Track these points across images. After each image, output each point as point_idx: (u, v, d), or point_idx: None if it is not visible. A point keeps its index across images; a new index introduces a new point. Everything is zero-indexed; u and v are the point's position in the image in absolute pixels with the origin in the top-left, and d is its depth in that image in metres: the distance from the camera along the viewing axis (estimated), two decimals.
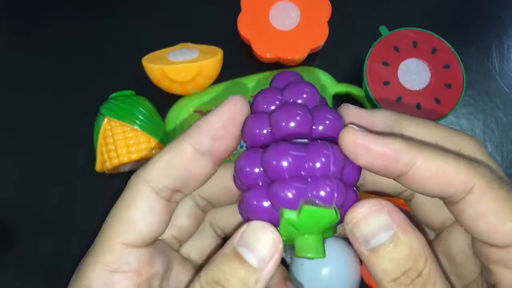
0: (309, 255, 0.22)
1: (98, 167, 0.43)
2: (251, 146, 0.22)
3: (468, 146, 0.22)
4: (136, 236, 0.21)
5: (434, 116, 0.43)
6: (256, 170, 0.21)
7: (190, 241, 0.27)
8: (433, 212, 0.25)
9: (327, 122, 0.22)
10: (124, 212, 0.21)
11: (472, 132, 0.48)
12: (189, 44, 0.47)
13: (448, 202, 0.21)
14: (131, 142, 0.41)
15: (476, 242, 0.22)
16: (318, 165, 0.20)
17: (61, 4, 0.50)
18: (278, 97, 0.23)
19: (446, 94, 0.43)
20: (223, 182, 0.25)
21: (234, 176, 0.22)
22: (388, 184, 0.26)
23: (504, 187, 0.20)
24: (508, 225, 0.20)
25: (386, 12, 0.50)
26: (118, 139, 0.41)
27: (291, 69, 0.47)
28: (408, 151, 0.20)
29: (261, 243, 0.20)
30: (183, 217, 0.26)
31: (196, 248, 0.27)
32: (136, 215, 0.21)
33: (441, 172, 0.20)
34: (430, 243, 0.25)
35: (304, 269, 0.42)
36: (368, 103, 0.46)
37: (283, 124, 0.21)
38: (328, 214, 0.20)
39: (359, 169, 0.22)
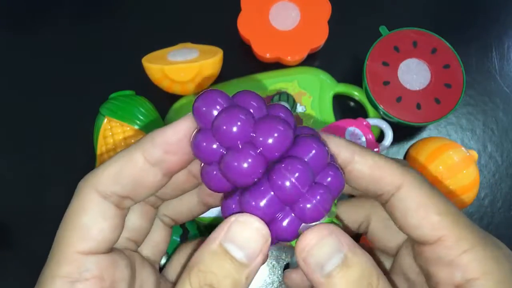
0: None
1: None
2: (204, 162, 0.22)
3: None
4: (91, 242, 0.21)
5: (434, 116, 0.43)
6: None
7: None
8: (387, 237, 0.27)
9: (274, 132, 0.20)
10: (76, 219, 0.21)
11: (472, 132, 0.48)
12: (189, 44, 0.47)
13: (383, 200, 0.23)
14: (131, 142, 0.41)
15: (414, 248, 0.24)
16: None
17: (61, 4, 0.50)
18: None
19: (446, 94, 0.43)
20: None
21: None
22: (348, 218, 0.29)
23: (431, 186, 0.22)
24: (433, 218, 0.21)
25: (386, 12, 0.50)
26: (118, 139, 0.41)
27: (291, 69, 0.47)
28: (347, 147, 0.23)
29: (250, 238, 0.20)
30: (135, 218, 0.25)
31: (150, 245, 0.27)
32: (88, 221, 0.21)
33: (375, 166, 0.23)
34: (386, 272, 0.27)
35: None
36: (368, 103, 0.46)
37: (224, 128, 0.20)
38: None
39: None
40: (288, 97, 0.45)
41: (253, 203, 0.20)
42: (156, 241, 0.27)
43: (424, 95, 0.44)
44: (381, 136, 0.45)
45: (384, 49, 0.44)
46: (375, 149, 0.43)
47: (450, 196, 0.42)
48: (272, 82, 0.46)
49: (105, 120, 0.42)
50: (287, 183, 0.20)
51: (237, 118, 0.20)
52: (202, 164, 0.22)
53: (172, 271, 0.28)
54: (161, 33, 0.48)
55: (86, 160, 0.44)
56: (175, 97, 0.46)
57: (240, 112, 0.20)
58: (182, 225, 0.41)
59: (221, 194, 0.26)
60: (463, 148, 0.43)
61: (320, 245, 0.21)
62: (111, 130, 0.42)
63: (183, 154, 0.22)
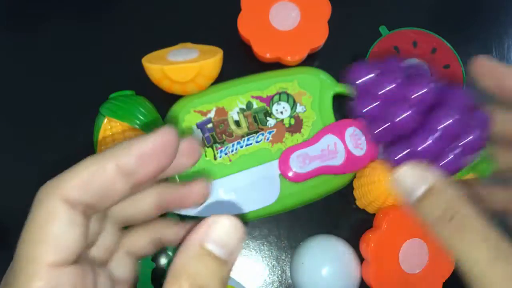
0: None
1: None
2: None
3: None
4: (62, 253, 0.20)
5: None
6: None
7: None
8: None
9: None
10: (43, 229, 0.20)
11: None
12: (189, 44, 0.47)
13: None
14: None
15: None
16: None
17: (61, 4, 0.50)
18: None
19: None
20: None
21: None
22: None
23: None
24: None
25: (386, 12, 0.50)
26: (118, 139, 0.41)
27: (291, 69, 0.47)
28: None
29: (228, 236, 0.21)
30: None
31: (102, 248, 0.26)
32: (58, 230, 0.20)
33: None
34: None
35: (304, 268, 0.42)
36: None
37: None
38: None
39: None
40: (288, 97, 0.45)
41: (423, 144, 0.27)
42: (106, 243, 0.26)
43: None
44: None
45: (384, 49, 0.44)
46: (375, 149, 0.43)
47: None
48: (272, 82, 0.46)
49: (105, 120, 0.42)
50: (447, 124, 0.26)
51: (393, 78, 0.27)
52: (366, 122, 0.30)
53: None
54: (161, 33, 0.48)
55: None
56: (175, 97, 0.46)
57: (393, 72, 0.28)
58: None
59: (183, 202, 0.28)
60: None
61: (411, 175, 0.26)
62: (111, 130, 0.42)
63: (156, 166, 0.22)
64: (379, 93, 0.28)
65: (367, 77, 0.29)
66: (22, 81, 0.48)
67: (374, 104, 0.29)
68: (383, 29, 0.45)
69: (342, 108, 0.48)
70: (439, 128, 0.27)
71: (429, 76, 0.28)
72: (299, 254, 0.43)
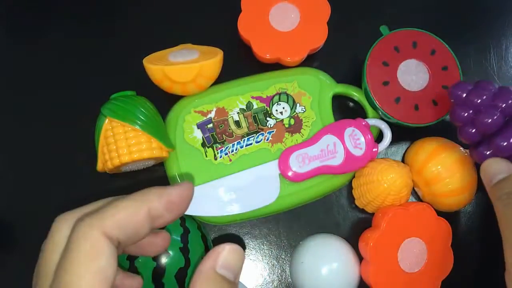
0: None
1: (100, 167, 0.43)
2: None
3: None
4: (105, 284, 0.21)
5: (431, 118, 0.44)
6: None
7: None
8: None
9: None
10: (90, 262, 0.21)
11: None
12: (190, 45, 0.47)
13: None
14: (132, 142, 0.41)
15: None
16: None
17: (63, 5, 0.50)
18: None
19: (443, 96, 0.44)
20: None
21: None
22: None
23: None
24: None
25: (385, 13, 0.51)
26: (119, 139, 0.41)
27: (290, 69, 0.47)
28: None
29: (235, 261, 0.25)
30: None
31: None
32: (104, 264, 0.22)
33: None
34: None
35: (304, 268, 0.42)
36: (367, 103, 0.46)
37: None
38: None
39: None
40: (287, 97, 0.46)
41: (504, 143, 0.36)
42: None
43: (422, 97, 0.44)
44: (380, 136, 0.45)
45: (384, 49, 0.44)
46: (374, 149, 0.43)
47: (449, 195, 0.43)
48: (272, 82, 0.46)
49: (106, 120, 0.42)
50: None
51: (484, 93, 0.37)
52: (459, 127, 0.39)
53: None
54: (162, 34, 0.48)
55: (88, 160, 0.44)
56: (176, 98, 0.46)
57: (484, 89, 0.37)
58: (183, 224, 0.42)
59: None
60: (461, 148, 0.44)
61: (493, 165, 0.36)
62: (112, 130, 0.42)
63: (178, 213, 0.25)
64: (474, 101, 0.37)
65: (465, 90, 0.38)
66: (22, 82, 0.48)
67: (470, 111, 0.38)
68: (383, 29, 0.45)
69: (341, 108, 0.48)
70: None
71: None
72: (298, 253, 0.43)
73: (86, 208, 0.25)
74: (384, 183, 0.42)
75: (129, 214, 0.23)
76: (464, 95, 0.38)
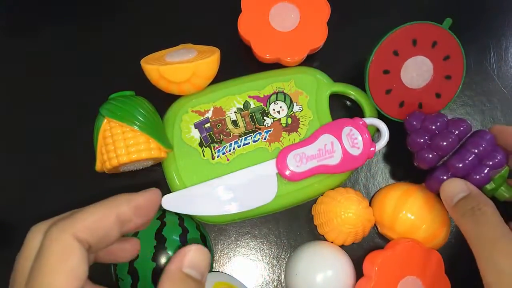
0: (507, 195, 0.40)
1: (98, 167, 0.43)
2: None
3: None
4: (77, 283, 0.23)
5: (434, 110, 0.44)
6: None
7: None
8: None
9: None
10: (62, 262, 0.23)
11: None
12: (189, 45, 0.47)
13: None
14: (130, 143, 0.41)
15: None
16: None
17: (62, 5, 0.51)
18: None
19: (446, 86, 0.44)
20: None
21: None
22: None
23: None
24: None
25: (385, 13, 0.51)
26: (117, 139, 0.41)
27: (288, 68, 0.47)
28: None
29: (203, 262, 0.26)
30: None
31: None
32: (75, 264, 0.23)
33: None
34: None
35: (298, 278, 0.42)
36: (365, 102, 0.46)
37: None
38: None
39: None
40: (285, 96, 0.46)
41: (460, 164, 0.38)
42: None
43: (426, 92, 0.44)
44: (377, 135, 0.45)
45: (383, 56, 0.43)
46: (371, 149, 0.43)
47: (432, 239, 0.42)
48: (269, 81, 0.46)
49: (105, 120, 0.42)
50: (478, 149, 0.38)
51: (438, 120, 0.41)
52: (416, 152, 0.41)
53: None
54: (163, 34, 0.48)
55: (86, 160, 0.44)
56: (175, 98, 0.46)
57: (438, 117, 0.41)
58: (181, 224, 0.42)
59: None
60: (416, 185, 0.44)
61: (451, 185, 0.38)
62: (110, 130, 0.42)
63: (146, 218, 0.27)
64: (429, 127, 0.41)
65: (419, 120, 0.42)
66: (22, 81, 0.49)
67: (426, 137, 0.41)
68: (447, 22, 0.44)
69: (339, 107, 0.48)
70: (472, 151, 0.38)
71: (463, 120, 0.40)
72: (291, 265, 0.43)
73: (60, 217, 0.25)
74: (340, 216, 0.42)
75: (99, 218, 0.24)
76: (419, 124, 0.42)
